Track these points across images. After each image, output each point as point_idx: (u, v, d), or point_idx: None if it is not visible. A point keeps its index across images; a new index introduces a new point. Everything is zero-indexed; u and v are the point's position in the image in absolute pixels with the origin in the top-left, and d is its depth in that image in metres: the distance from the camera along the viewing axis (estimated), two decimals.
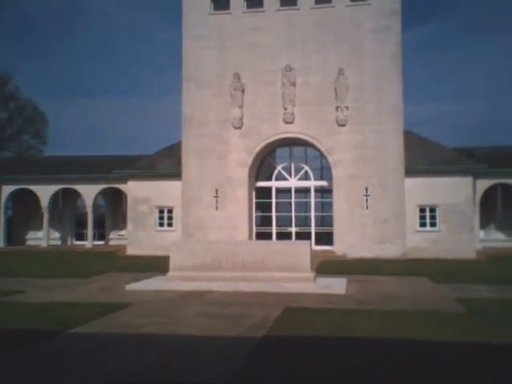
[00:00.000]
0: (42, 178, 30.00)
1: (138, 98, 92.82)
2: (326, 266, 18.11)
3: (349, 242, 23.02)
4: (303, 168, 25.26)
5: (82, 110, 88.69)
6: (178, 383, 5.92)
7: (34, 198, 30.52)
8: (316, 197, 25.08)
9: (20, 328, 8.61)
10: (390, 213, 23.06)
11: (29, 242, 32.11)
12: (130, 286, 13.51)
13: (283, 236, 24.42)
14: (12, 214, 33.00)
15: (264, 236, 24.63)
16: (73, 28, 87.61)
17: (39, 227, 31.45)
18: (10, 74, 48.95)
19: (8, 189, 30.58)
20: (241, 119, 24.12)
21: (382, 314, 9.67)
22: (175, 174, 25.10)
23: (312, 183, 25.14)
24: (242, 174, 24.15)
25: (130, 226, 26.19)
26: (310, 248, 13.96)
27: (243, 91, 24.17)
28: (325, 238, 24.28)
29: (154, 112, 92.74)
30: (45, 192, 30.19)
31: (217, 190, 24.18)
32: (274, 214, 25.11)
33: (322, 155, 24.39)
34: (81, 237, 32.06)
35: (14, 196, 31.30)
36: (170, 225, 25.78)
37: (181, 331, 8.40)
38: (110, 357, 6.98)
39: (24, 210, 32.51)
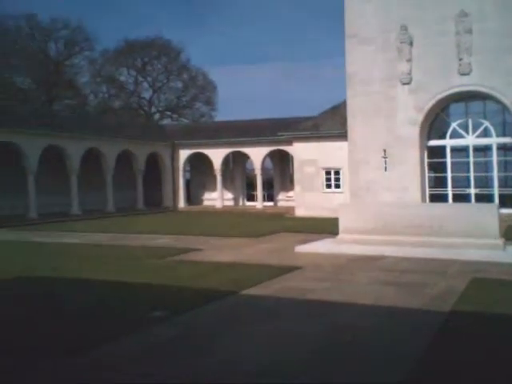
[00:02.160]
0: (213, 143, 31.66)
1: (299, 61, 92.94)
2: None
3: None
4: (482, 124, 22.82)
5: (245, 76, 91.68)
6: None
7: (207, 161, 32.40)
8: (498, 155, 22.60)
9: (195, 286, 8.91)
10: None
11: (205, 203, 34.39)
12: (299, 248, 13.50)
13: (460, 198, 22.51)
14: (190, 177, 35.67)
15: (438, 198, 22.97)
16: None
17: (213, 188, 33.40)
18: (181, 46, 52.21)
19: (185, 153, 32.88)
20: (409, 74, 22.47)
21: None
22: (341, 135, 24.51)
23: (494, 140, 22.63)
24: (411, 132, 22.66)
25: (297, 187, 26.43)
26: (498, 211, 12.51)
27: (411, 44, 22.38)
28: (509, 200, 21.87)
29: (317, 74, 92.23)
30: (216, 155, 31.84)
31: (385, 151, 23.06)
32: (449, 175, 23.23)
33: (504, 108, 21.79)
34: (251, 198, 33.39)
35: (190, 160, 33.61)
36: (337, 186, 25.44)
37: (355, 300, 7.96)
38: (278, 328, 6.69)
39: (199, 172, 34.78)
